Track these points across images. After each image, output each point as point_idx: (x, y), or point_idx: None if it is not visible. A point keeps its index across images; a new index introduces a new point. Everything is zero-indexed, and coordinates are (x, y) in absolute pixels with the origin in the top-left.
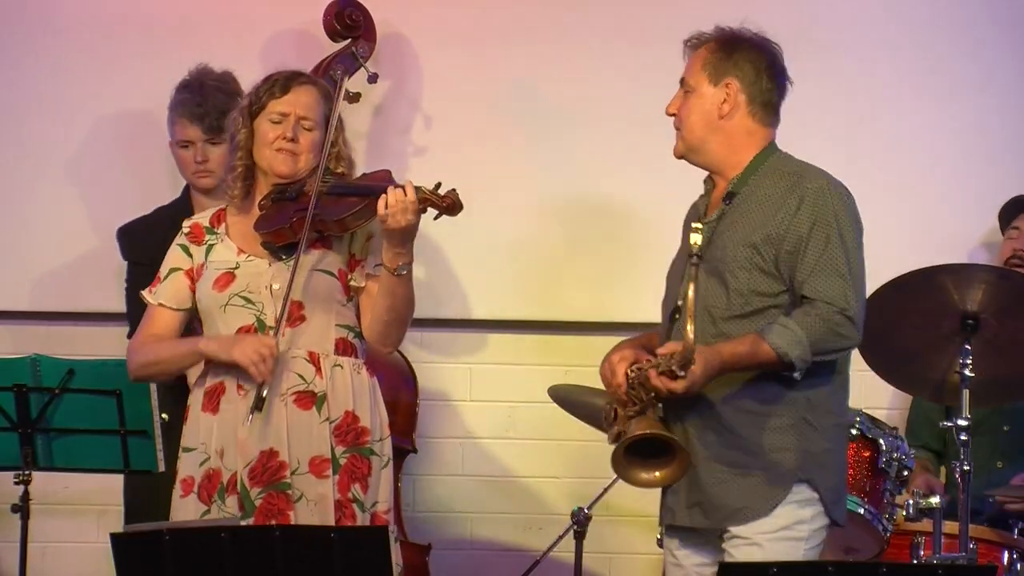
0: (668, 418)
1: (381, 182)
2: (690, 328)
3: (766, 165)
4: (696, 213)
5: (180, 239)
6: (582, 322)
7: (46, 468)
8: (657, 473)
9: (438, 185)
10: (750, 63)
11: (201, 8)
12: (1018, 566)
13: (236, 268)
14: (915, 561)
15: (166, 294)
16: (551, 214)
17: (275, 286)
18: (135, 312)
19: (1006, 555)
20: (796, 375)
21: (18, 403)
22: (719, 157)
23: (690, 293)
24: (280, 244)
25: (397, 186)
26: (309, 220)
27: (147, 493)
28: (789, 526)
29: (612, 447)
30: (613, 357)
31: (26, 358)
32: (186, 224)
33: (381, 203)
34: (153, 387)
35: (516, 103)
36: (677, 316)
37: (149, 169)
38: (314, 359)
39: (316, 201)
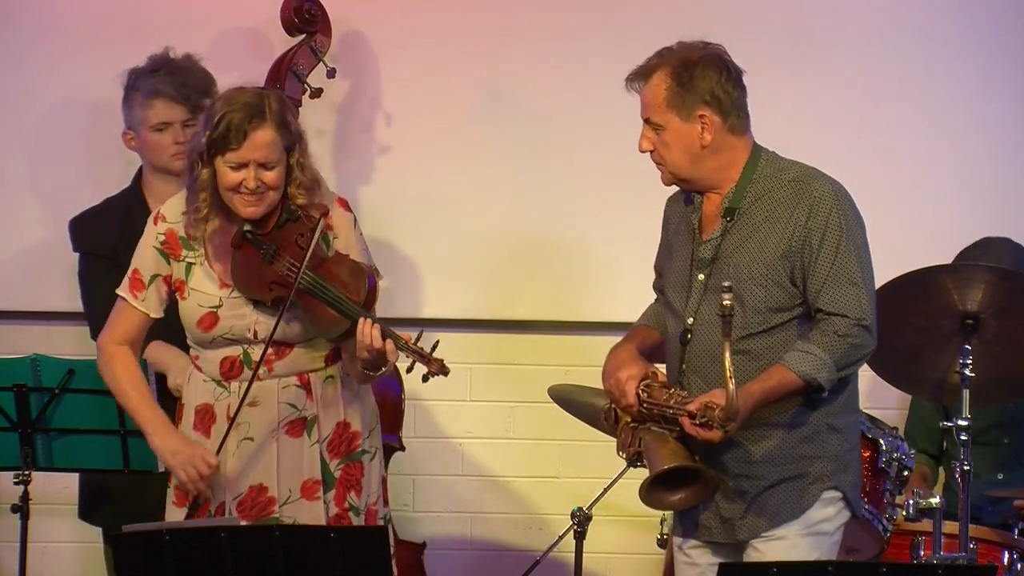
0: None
1: (358, 298)
2: (732, 387)
3: (758, 172)
4: (688, 225)
5: (155, 242)
6: (582, 322)
7: (46, 468)
8: (682, 495)
9: (420, 334)
10: (712, 82)
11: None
12: (1018, 566)
13: (219, 307)
14: (915, 561)
15: (153, 304)
16: (551, 213)
17: (260, 334)
18: (95, 307)
19: (1006, 555)
20: (824, 395)
21: (18, 403)
22: (712, 180)
23: (727, 354)
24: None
25: (374, 323)
26: (278, 324)
27: (101, 486)
28: (816, 523)
29: (615, 450)
30: (620, 375)
31: (26, 358)
32: (160, 229)
33: (359, 335)
34: (153, 387)
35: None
36: (689, 337)
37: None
38: (304, 382)
39: (293, 288)
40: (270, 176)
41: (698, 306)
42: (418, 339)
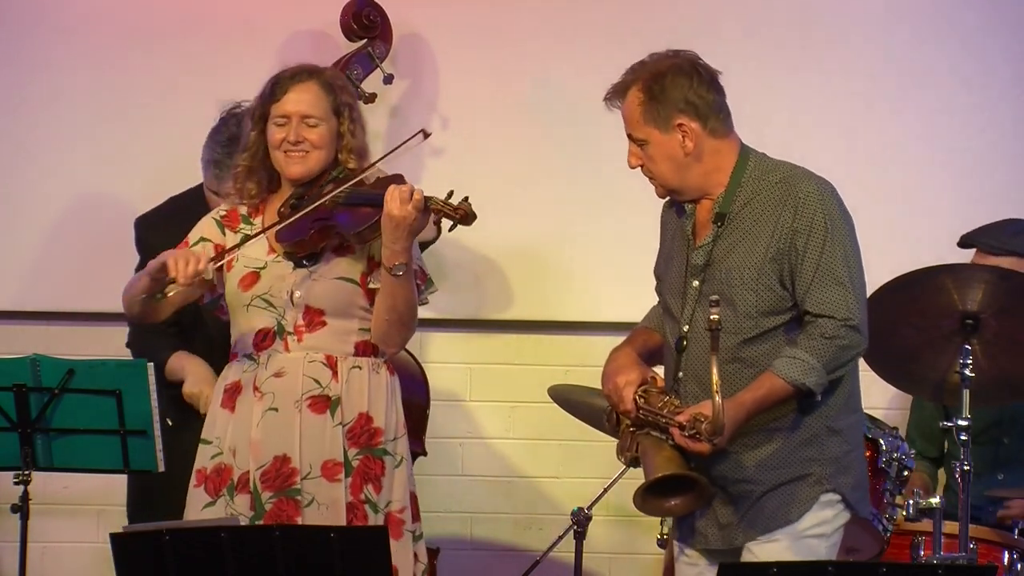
0: None
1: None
2: (718, 400)
3: (747, 174)
4: (683, 231)
5: (215, 215)
6: (582, 322)
7: (46, 468)
8: (677, 502)
9: (450, 194)
10: (684, 89)
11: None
12: (1018, 566)
13: (263, 268)
14: (915, 561)
15: None
16: (552, 214)
17: (297, 294)
18: None
19: (1006, 555)
20: (817, 398)
21: (18, 403)
22: (701, 187)
23: (714, 369)
24: (301, 255)
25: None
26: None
27: (149, 493)
28: (814, 527)
29: (615, 452)
30: (618, 380)
31: (26, 358)
32: (224, 207)
33: (388, 191)
34: (153, 387)
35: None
36: (685, 344)
37: (150, 170)
38: (331, 363)
39: (332, 210)
40: (313, 134)
41: (693, 313)
42: (448, 197)
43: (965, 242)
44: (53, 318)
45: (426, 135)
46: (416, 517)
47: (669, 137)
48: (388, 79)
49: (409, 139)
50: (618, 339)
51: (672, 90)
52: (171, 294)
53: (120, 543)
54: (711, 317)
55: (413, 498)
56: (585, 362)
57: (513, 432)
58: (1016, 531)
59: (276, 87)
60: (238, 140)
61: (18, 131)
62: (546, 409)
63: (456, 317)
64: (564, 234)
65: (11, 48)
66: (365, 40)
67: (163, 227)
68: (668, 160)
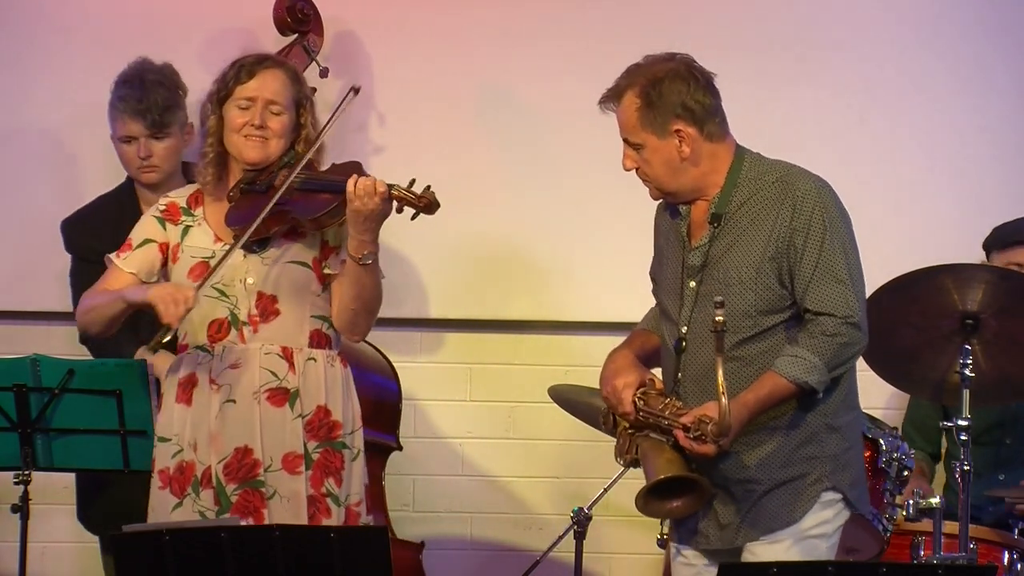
0: None
1: (351, 175)
2: (724, 402)
3: (743, 175)
4: (677, 232)
5: (155, 212)
6: (582, 322)
7: (46, 468)
8: (679, 503)
9: (412, 182)
10: (681, 94)
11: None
12: (1018, 566)
13: (211, 258)
14: (915, 561)
15: (137, 263)
16: (551, 214)
17: (249, 280)
18: None
19: (1006, 555)
20: (819, 396)
21: (18, 403)
22: (697, 188)
23: (719, 370)
24: (252, 240)
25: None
26: (266, 214)
27: (99, 480)
28: (814, 526)
29: (615, 455)
30: (617, 382)
31: (26, 358)
32: (162, 201)
33: (350, 183)
34: (153, 387)
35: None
36: (684, 345)
37: None
38: (287, 355)
39: (287, 196)
40: (275, 122)
41: (691, 314)
42: (410, 186)
43: (1009, 242)
44: (53, 318)
45: (356, 91)
46: (370, 509)
47: (666, 142)
48: (324, 72)
49: (341, 101)
50: (618, 339)
51: (669, 96)
52: (167, 340)
53: (120, 543)
54: (716, 319)
55: (367, 490)
56: (585, 362)
57: (513, 432)
58: (1016, 531)
59: (242, 70)
60: (132, 78)
61: (19, 131)
62: (546, 409)
63: (456, 317)
64: (564, 234)
65: (7, 49)
66: (298, 34)
67: (91, 227)
68: (664, 164)
